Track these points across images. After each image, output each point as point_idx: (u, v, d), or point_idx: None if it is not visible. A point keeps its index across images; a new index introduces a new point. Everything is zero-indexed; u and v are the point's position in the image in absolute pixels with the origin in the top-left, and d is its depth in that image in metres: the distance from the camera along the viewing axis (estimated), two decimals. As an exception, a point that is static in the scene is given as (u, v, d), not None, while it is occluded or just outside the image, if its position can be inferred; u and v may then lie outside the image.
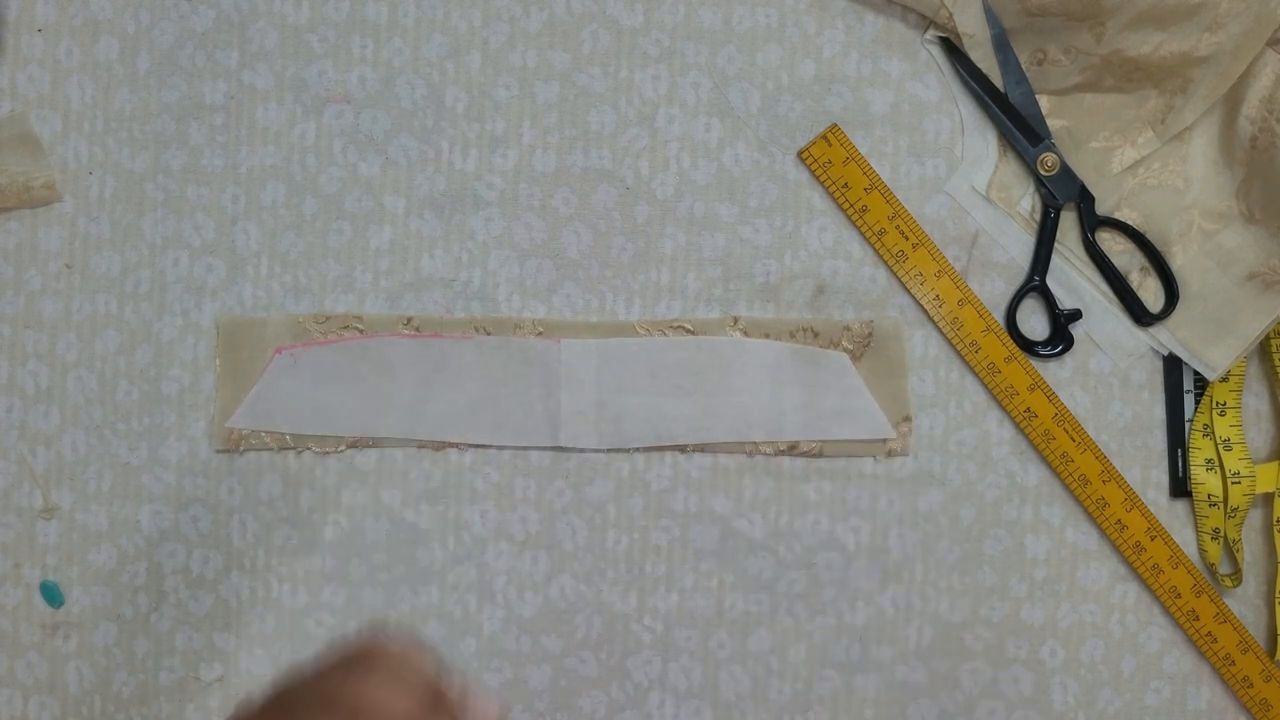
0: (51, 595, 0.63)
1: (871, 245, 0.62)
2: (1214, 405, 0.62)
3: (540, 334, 0.62)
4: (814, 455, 0.63)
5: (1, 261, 0.63)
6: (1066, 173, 0.61)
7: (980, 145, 0.62)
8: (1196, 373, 0.62)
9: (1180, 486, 0.63)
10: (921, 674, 0.63)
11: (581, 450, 0.63)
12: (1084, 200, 0.61)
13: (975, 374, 0.62)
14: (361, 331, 0.62)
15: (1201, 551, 0.62)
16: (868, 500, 0.63)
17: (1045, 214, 0.62)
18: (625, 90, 0.62)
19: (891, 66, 0.62)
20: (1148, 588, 0.63)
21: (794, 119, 0.62)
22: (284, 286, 0.63)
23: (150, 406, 0.63)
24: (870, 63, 0.62)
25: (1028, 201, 0.62)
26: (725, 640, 0.63)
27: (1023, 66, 0.61)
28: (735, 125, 0.62)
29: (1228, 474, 0.62)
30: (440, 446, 0.63)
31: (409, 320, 0.62)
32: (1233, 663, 0.62)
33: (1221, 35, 0.58)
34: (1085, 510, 0.62)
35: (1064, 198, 0.61)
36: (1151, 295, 0.62)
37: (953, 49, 0.61)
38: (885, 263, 0.62)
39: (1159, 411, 0.63)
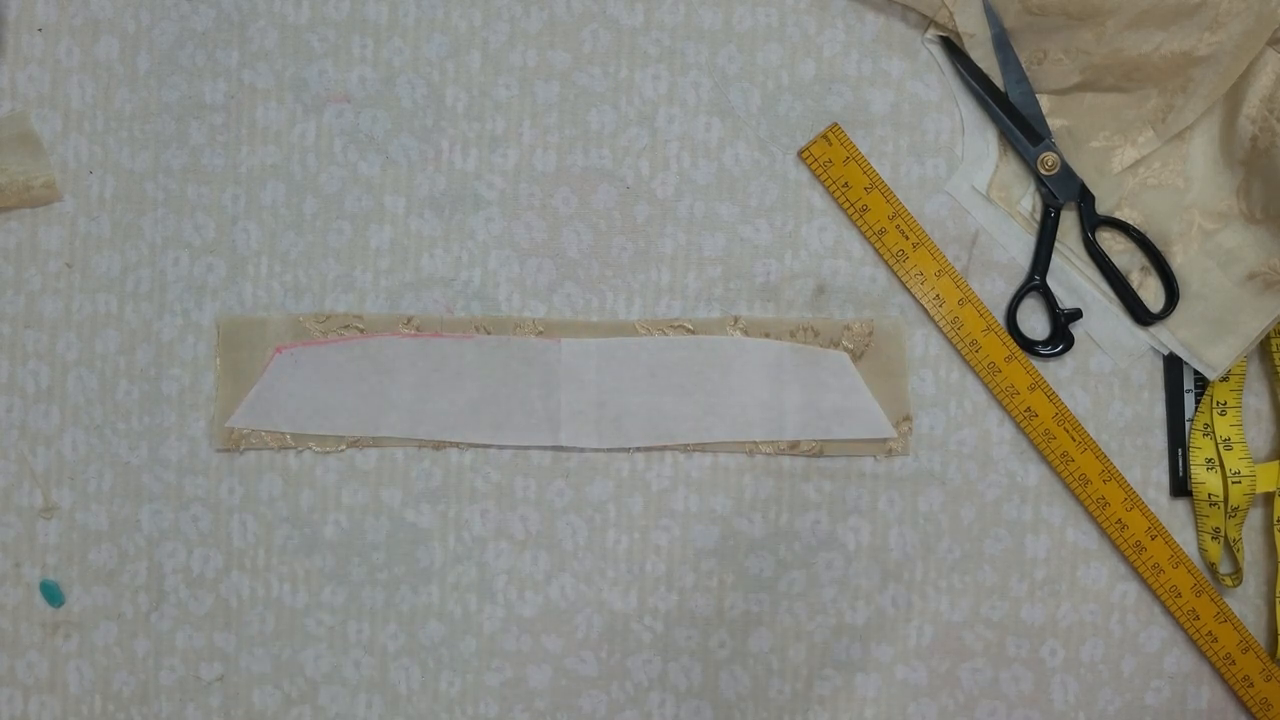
0: (51, 595, 0.63)
1: (872, 245, 0.62)
2: (1214, 405, 0.62)
3: (540, 333, 0.62)
4: (814, 455, 0.63)
5: (1, 261, 0.63)
6: (1067, 172, 0.61)
7: (980, 145, 0.62)
8: (1197, 372, 0.62)
9: (1180, 486, 0.63)
10: (921, 674, 0.63)
11: (581, 450, 0.63)
12: (1084, 200, 0.61)
13: (975, 373, 0.62)
14: (362, 331, 0.62)
15: (1202, 551, 0.62)
16: (868, 500, 0.63)
17: (1045, 213, 0.62)
18: (625, 90, 0.62)
19: (892, 66, 0.62)
20: (1148, 587, 0.63)
21: (794, 119, 0.62)
22: (284, 286, 0.63)
23: (150, 406, 0.63)
24: (870, 62, 0.62)
25: (1028, 201, 0.62)
26: (725, 640, 0.63)
27: (1023, 66, 0.61)
28: (735, 125, 0.62)
29: (1228, 473, 0.62)
30: (440, 446, 0.63)
31: (409, 320, 0.62)
32: (1233, 662, 0.62)
33: (1222, 35, 0.58)
34: (1086, 510, 0.62)
35: (1064, 197, 0.61)
36: (1152, 295, 0.62)
37: (953, 48, 0.61)
38: (885, 262, 0.62)
39: (1159, 411, 0.63)
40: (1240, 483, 0.61)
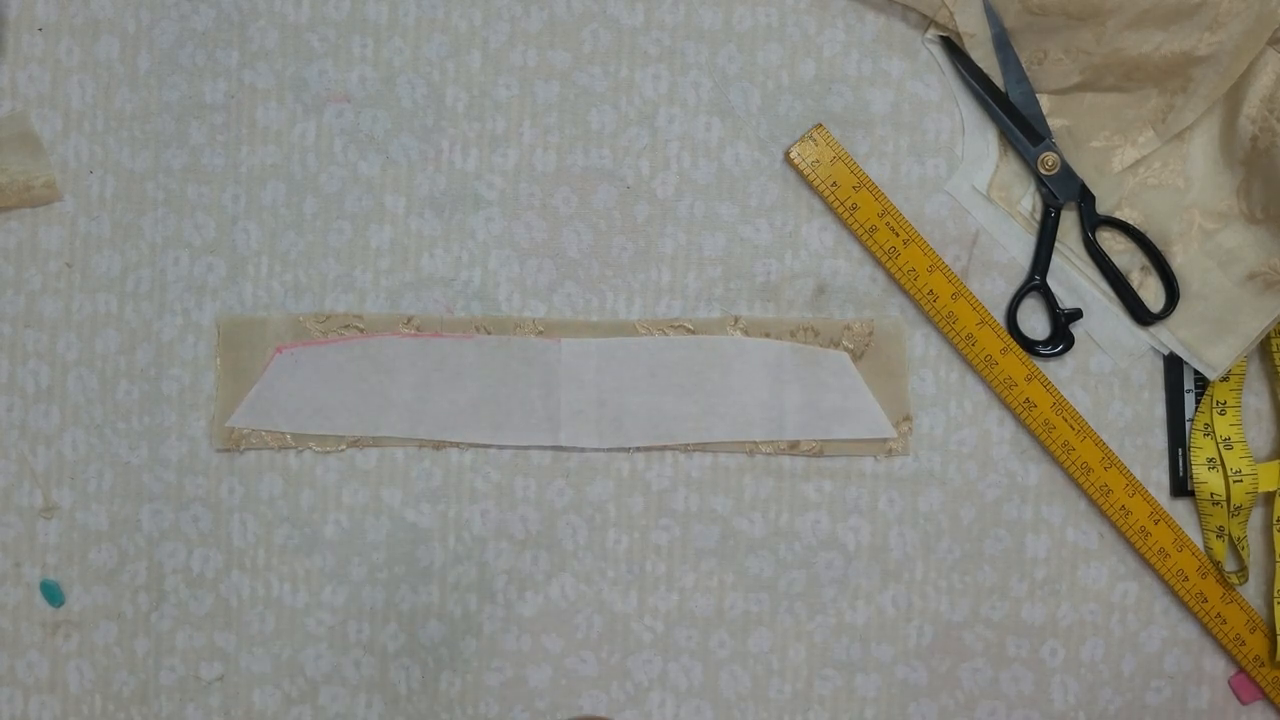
0: (52, 594, 0.63)
1: (863, 243, 0.62)
2: (1214, 404, 0.62)
3: (540, 333, 0.62)
4: (814, 455, 0.63)
5: (1, 261, 0.63)
6: (1067, 172, 0.61)
7: (980, 145, 0.62)
8: (1197, 372, 0.62)
9: (1181, 486, 0.63)
10: (922, 674, 0.63)
11: (581, 450, 0.63)
12: (1084, 200, 0.61)
13: (973, 369, 0.62)
14: (362, 331, 0.62)
15: (1207, 549, 0.62)
16: (868, 500, 0.63)
17: (1045, 213, 0.62)
18: (625, 90, 0.62)
19: (892, 66, 0.62)
20: (1152, 578, 0.63)
21: (794, 118, 0.62)
22: (284, 286, 0.63)
23: (150, 406, 0.63)
24: (870, 62, 0.62)
25: (1028, 201, 0.62)
26: (725, 640, 0.63)
27: (1023, 66, 0.61)
28: (735, 125, 0.62)
29: (1229, 473, 0.62)
30: (440, 446, 0.63)
31: (409, 320, 0.62)
32: (1243, 643, 0.62)
33: (1222, 34, 0.58)
34: (1089, 498, 0.62)
35: (1064, 197, 0.61)
36: (1152, 295, 0.62)
37: (953, 48, 0.61)
38: (877, 260, 0.62)
39: (1159, 411, 0.63)
40: (1241, 481, 0.61)
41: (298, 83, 0.62)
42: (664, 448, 0.63)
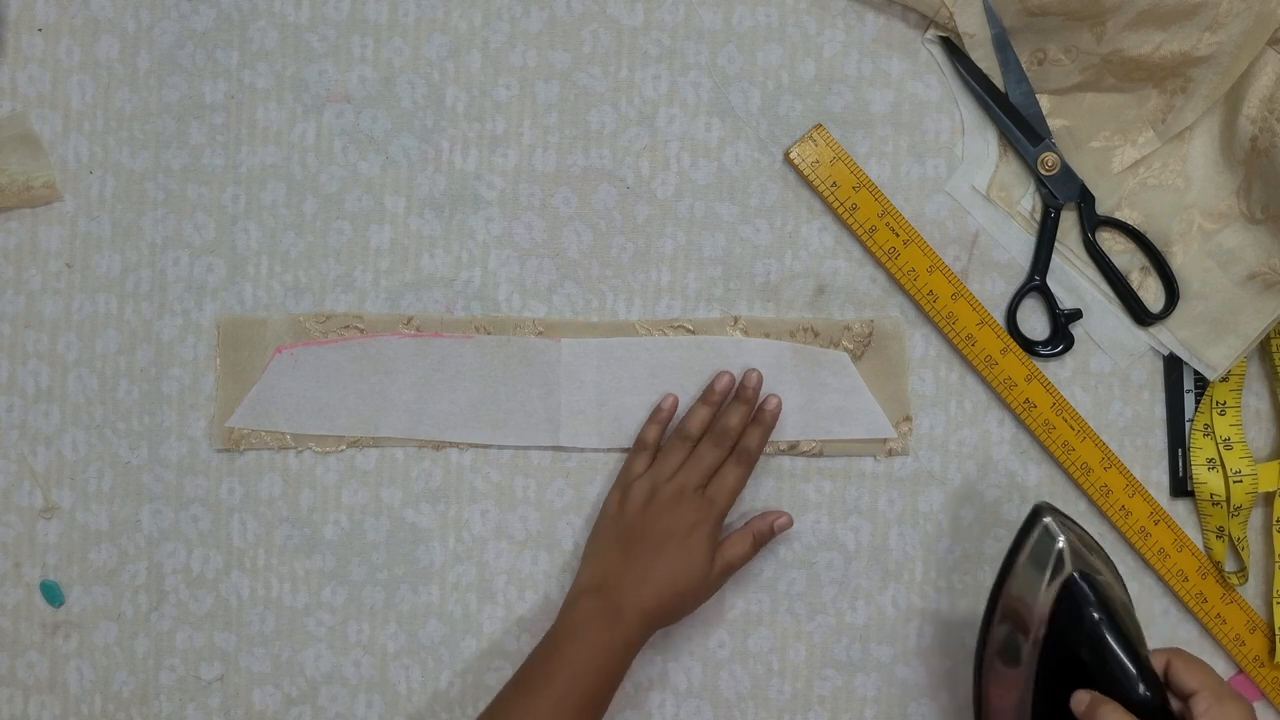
0: (52, 595, 0.63)
1: (863, 243, 0.62)
2: (1214, 405, 0.62)
3: (540, 333, 0.62)
4: (814, 455, 0.63)
5: (1, 261, 0.63)
6: (1067, 172, 0.61)
7: (980, 145, 0.62)
8: (1196, 372, 0.62)
9: (1180, 486, 0.63)
10: (921, 674, 0.63)
11: (581, 450, 0.63)
12: (1084, 200, 0.61)
13: (974, 369, 0.62)
14: (362, 331, 0.62)
15: (1207, 550, 0.62)
16: (868, 500, 0.63)
17: (1045, 214, 0.62)
18: (625, 90, 0.62)
19: (892, 66, 0.62)
20: (1152, 579, 0.63)
21: (794, 119, 0.62)
22: (284, 286, 0.63)
23: (150, 406, 0.63)
24: (870, 62, 0.62)
25: (1028, 201, 0.62)
26: (725, 640, 0.63)
27: (1023, 66, 0.61)
28: (735, 125, 0.62)
29: (1229, 473, 0.62)
30: (440, 446, 0.63)
31: (409, 320, 0.62)
32: (1243, 643, 0.62)
33: (1222, 35, 0.58)
34: (1089, 498, 0.62)
35: (1064, 197, 0.61)
36: (1152, 295, 0.62)
37: (953, 49, 0.61)
38: (877, 260, 0.62)
39: (1159, 411, 0.63)
40: (1241, 481, 0.61)
41: (298, 83, 0.62)
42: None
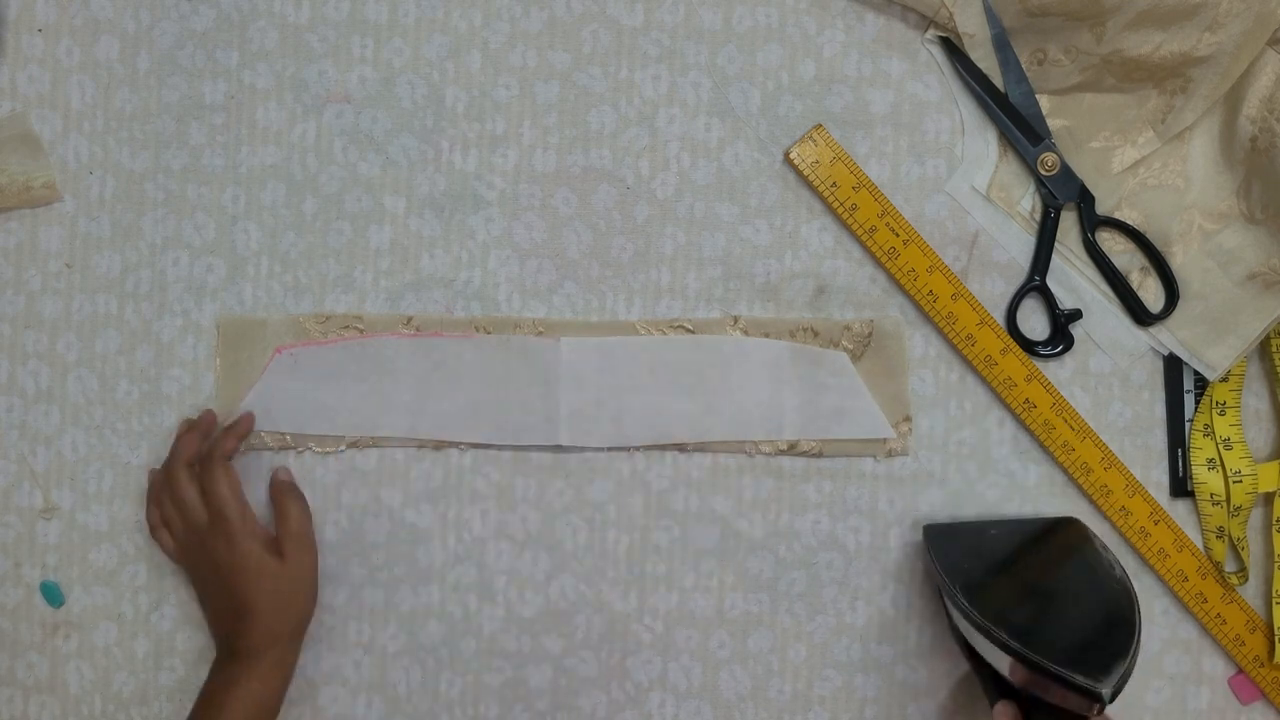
0: (52, 595, 0.63)
1: (862, 243, 0.62)
2: (1214, 405, 0.62)
3: (540, 333, 0.62)
4: (814, 455, 0.63)
5: (1, 261, 0.63)
6: (1067, 172, 0.61)
7: (980, 145, 0.62)
8: (1196, 372, 0.62)
9: (1180, 486, 0.63)
10: (921, 674, 0.63)
11: (581, 450, 0.63)
12: (1084, 200, 0.61)
13: (974, 369, 0.62)
14: (361, 331, 0.62)
15: (1207, 550, 0.63)
16: (868, 500, 0.63)
17: (1045, 214, 0.62)
18: (625, 90, 0.62)
19: (891, 66, 0.62)
20: (1152, 579, 0.63)
21: (794, 119, 0.62)
22: (284, 286, 0.63)
23: (150, 406, 0.63)
24: (870, 63, 0.62)
25: (1028, 201, 0.62)
26: (725, 640, 0.63)
27: (1023, 66, 0.61)
28: (735, 125, 0.62)
29: (1229, 473, 0.62)
30: (440, 446, 0.63)
31: (409, 320, 0.62)
32: (1242, 643, 0.62)
33: (1222, 35, 0.58)
34: (1089, 499, 0.62)
35: (1064, 197, 0.61)
36: (1151, 295, 0.62)
37: (953, 49, 0.61)
38: (877, 260, 0.62)
39: (1159, 411, 0.63)
40: (1241, 482, 0.61)
41: (298, 83, 0.62)
42: (664, 447, 0.63)
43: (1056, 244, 0.62)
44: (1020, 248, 0.63)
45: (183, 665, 0.63)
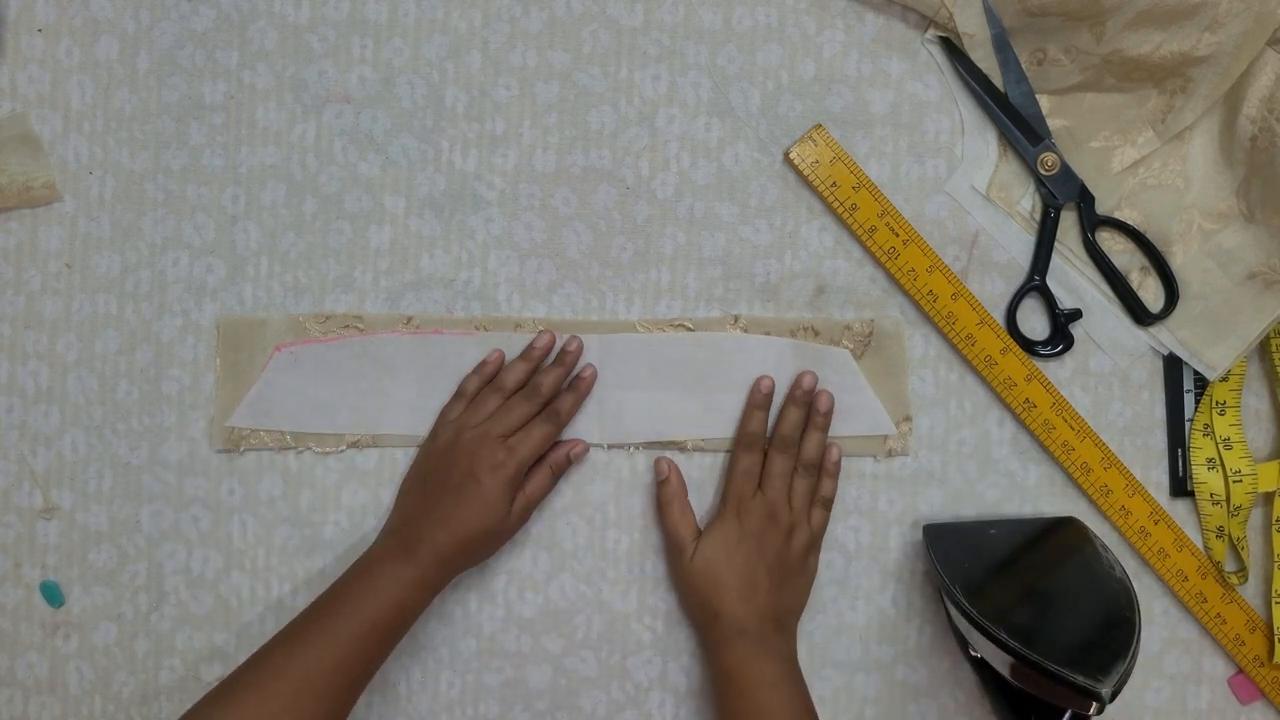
0: (52, 595, 0.63)
1: (862, 243, 0.62)
2: (1214, 405, 0.62)
3: (541, 332, 0.62)
4: (814, 455, 0.63)
5: (1, 261, 0.63)
6: (1066, 172, 0.61)
7: (980, 145, 0.62)
8: (1196, 372, 0.62)
9: (1180, 486, 0.63)
10: (922, 674, 0.63)
11: (582, 450, 0.63)
12: (1084, 200, 0.61)
13: (974, 369, 0.62)
14: (361, 331, 0.62)
15: (1207, 549, 0.63)
16: (868, 500, 0.63)
17: (1045, 214, 0.62)
18: (625, 90, 0.62)
19: (891, 66, 0.62)
20: (1151, 579, 0.63)
21: (794, 119, 0.62)
22: (284, 286, 0.63)
23: (150, 406, 0.63)
24: (870, 62, 0.62)
25: (1028, 201, 0.62)
26: (725, 640, 0.63)
27: (1023, 66, 0.61)
28: (735, 125, 0.62)
29: (1229, 473, 0.62)
30: (440, 446, 0.63)
31: (409, 320, 0.62)
32: (1242, 643, 0.62)
33: (1221, 35, 0.58)
34: (1089, 499, 0.62)
35: (1064, 197, 0.61)
36: (1151, 295, 0.62)
37: (953, 49, 0.61)
38: (877, 260, 0.62)
39: (1159, 411, 0.63)
40: (1241, 481, 0.61)
41: (297, 83, 0.62)
42: (664, 445, 0.63)
43: (1056, 244, 0.62)
44: (1020, 248, 0.63)
45: (183, 665, 0.63)
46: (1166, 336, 0.62)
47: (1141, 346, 0.63)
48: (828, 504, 0.61)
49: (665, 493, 0.61)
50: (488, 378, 0.61)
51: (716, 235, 0.63)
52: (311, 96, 0.62)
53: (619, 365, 0.62)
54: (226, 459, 0.63)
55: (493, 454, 0.58)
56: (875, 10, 0.62)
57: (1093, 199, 0.61)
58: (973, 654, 0.58)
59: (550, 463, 0.60)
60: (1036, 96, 0.61)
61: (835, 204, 0.62)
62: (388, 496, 0.63)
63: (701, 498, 0.63)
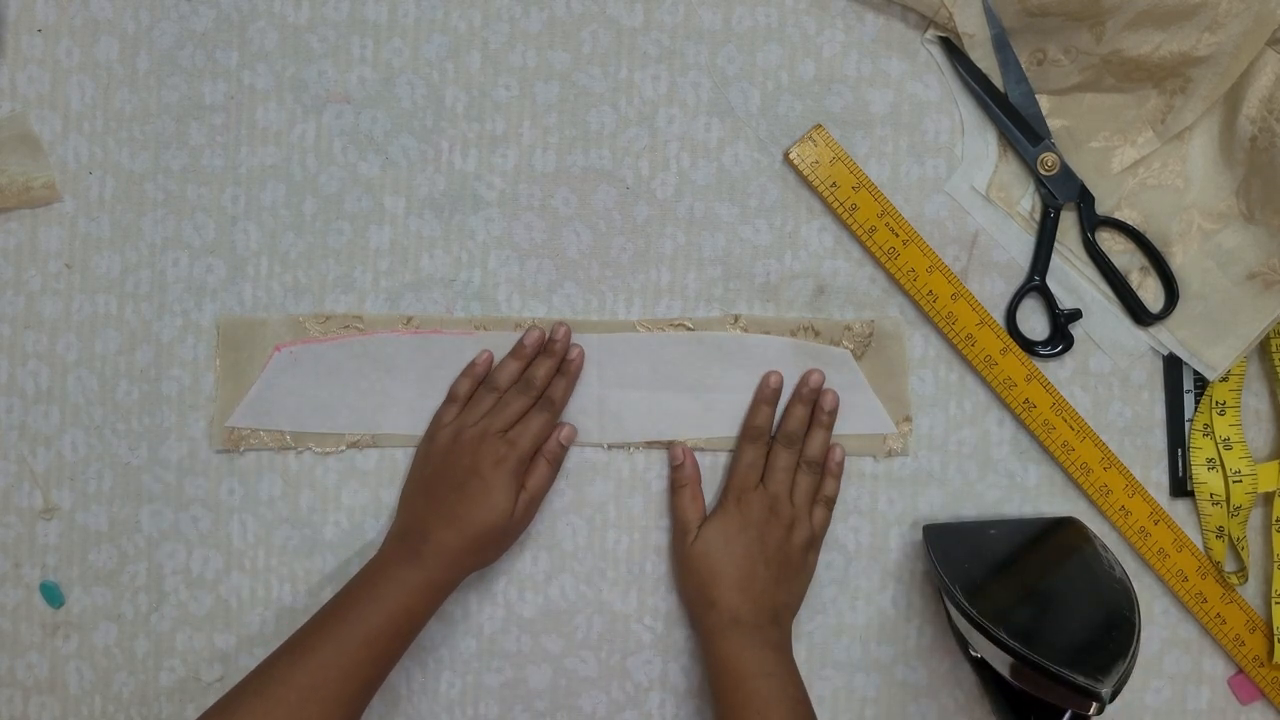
0: (51, 595, 0.63)
1: (862, 243, 0.62)
2: (1214, 405, 0.62)
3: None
4: (814, 455, 0.63)
5: (1, 261, 0.63)
6: (1066, 172, 0.61)
7: (980, 145, 0.62)
8: (1196, 372, 0.62)
9: (1180, 486, 0.63)
10: (922, 674, 0.63)
11: (582, 448, 0.63)
12: (1084, 200, 0.61)
13: (974, 369, 0.62)
14: (361, 331, 0.62)
15: (1207, 550, 0.63)
16: (868, 500, 0.63)
17: (1045, 214, 0.62)
18: (625, 90, 0.62)
19: (891, 66, 0.62)
20: (1151, 579, 0.63)
21: (794, 119, 0.62)
22: (284, 286, 0.63)
23: (150, 406, 0.63)
24: (870, 63, 0.62)
25: (1028, 201, 0.62)
26: (725, 640, 0.63)
27: (1023, 66, 0.61)
28: (735, 125, 0.62)
29: (1229, 473, 0.62)
30: (440, 446, 0.63)
31: (409, 320, 0.62)
32: (1242, 643, 0.62)
33: (1221, 35, 0.58)
34: (1089, 499, 0.62)
35: (1064, 197, 0.61)
36: (1151, 295, 0.62)
37: (953, 49, 0.61)
38: (877, 260, 0.62)
39: (1159, 411, 0.63)
40: (1241, 481, 0.61)
41: (297, 83, 0.62)
42: (665, 444, 0.63)
43: (1056, 244, 0.62)
44: (1020, 248, 0.63)
45: (183, 665, 0.63)
46: (1166, 336, 0.62)
47: (1141, 346, 0.63)
48: (830, 504, 0.61)
49: (680, 476, 0.61)
50: (479, 379, 0.61)
51: (716, 235, 0.63)
52: (311, 97, 0.62)
53: (619, 365, 0.62)
54: (226, 459, 0.63)
55: (494, 449, 0.58)
56: (875, 10, 0.62)
57: (1093, 199, 0.61)
58: (973, 654, 0.58)
59: (545, 454, 0.60)
60: (1036, 96, 0.61)
61: (835, 204, 0.62)
62: (388, 496, 0.63)
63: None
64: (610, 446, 0.63)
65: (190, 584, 0.63)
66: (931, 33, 0.62)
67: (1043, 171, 0.61)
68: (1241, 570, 0.63)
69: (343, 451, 0.63)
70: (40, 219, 0.63)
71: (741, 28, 0.62)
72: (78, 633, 0.63)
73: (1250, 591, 0.63)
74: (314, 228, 0.63)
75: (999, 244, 0.63)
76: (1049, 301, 0.62)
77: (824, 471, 0.61)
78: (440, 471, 0.59)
